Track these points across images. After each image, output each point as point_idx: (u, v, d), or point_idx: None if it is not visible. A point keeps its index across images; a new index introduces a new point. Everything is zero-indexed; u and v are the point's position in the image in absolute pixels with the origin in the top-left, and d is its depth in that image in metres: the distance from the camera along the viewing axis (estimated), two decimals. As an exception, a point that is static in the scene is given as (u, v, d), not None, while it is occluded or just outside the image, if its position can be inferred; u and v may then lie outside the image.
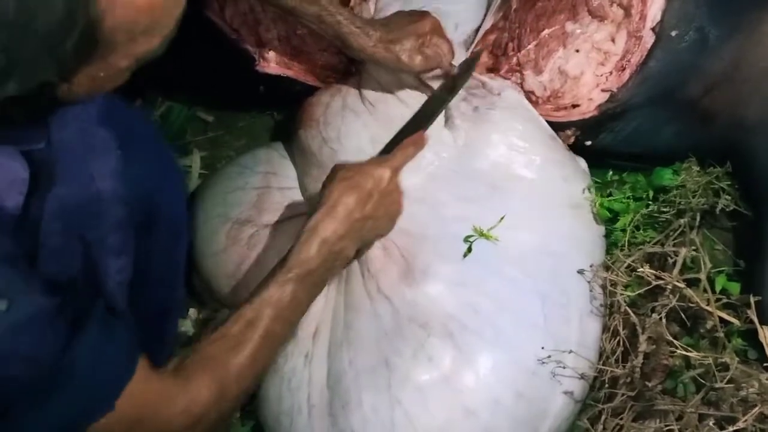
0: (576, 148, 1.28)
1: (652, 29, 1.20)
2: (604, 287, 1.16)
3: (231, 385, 0.90)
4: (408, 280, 1.12)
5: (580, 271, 1.15)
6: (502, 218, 1.14)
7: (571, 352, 1.10)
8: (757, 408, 1.05)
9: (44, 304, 0.74)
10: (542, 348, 1.09)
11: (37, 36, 0.61)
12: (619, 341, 1.13)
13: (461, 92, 1.21)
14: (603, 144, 1.28)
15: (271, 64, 1.36)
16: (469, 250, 1.12)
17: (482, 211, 1.15)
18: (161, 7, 0.66)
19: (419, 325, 1.09)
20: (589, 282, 1.15)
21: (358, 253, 1.11)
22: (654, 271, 1.14)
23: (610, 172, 1.32)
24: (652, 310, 1.14)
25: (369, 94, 1.25)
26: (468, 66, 1.23)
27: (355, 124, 1.23)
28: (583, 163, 1.27)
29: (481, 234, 1.13)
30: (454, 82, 1.20)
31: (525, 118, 1.22)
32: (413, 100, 1.22)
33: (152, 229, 1.02)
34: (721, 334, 1.12)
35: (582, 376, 1.11)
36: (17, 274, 0.74)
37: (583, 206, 1.21)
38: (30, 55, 0.62)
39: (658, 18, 1.19)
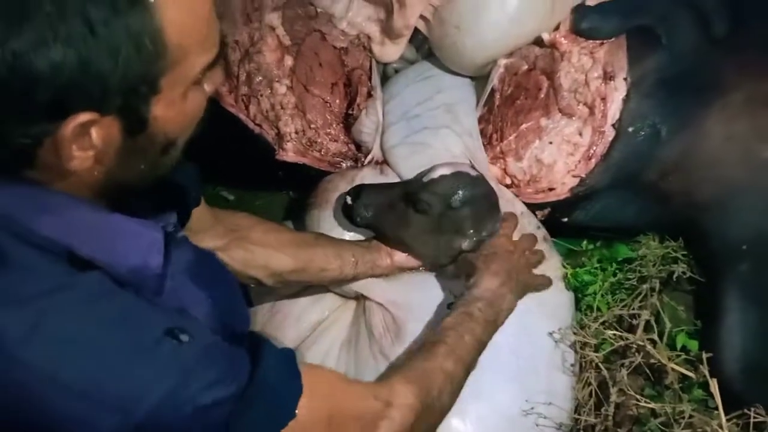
0: (554, 224, 1.42)
1: (613, 125, 1.33)
2: (574, 346, 1.29)
3: (433, 382, 1.00)
4: (402, 342, 1.23)
5: (551, 333, 1.27)
6: None
7: (550, 404, 1.22)
8: (711, 451, 1.20)
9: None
10: (517, 397, 1.20)
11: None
12: (590, 392, 1.27)
13: None
14: (577, 220, 1.42)
15: (289, 153, 1.46)
16: None
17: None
18: (212, 19, 0.76)
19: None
20: (556, 341, 1.27)
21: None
22: (619, 333, 1.29)
23: (585, 242, 1.45)
24: (621, 366, 1.29)
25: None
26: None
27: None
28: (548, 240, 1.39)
29: None
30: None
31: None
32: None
33: None
34: (677, 387, 1.26)
35: (555, 422, 1.23)
36: (188, 318, 0.83)
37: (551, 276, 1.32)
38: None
39: (617, 116, 1.32)
